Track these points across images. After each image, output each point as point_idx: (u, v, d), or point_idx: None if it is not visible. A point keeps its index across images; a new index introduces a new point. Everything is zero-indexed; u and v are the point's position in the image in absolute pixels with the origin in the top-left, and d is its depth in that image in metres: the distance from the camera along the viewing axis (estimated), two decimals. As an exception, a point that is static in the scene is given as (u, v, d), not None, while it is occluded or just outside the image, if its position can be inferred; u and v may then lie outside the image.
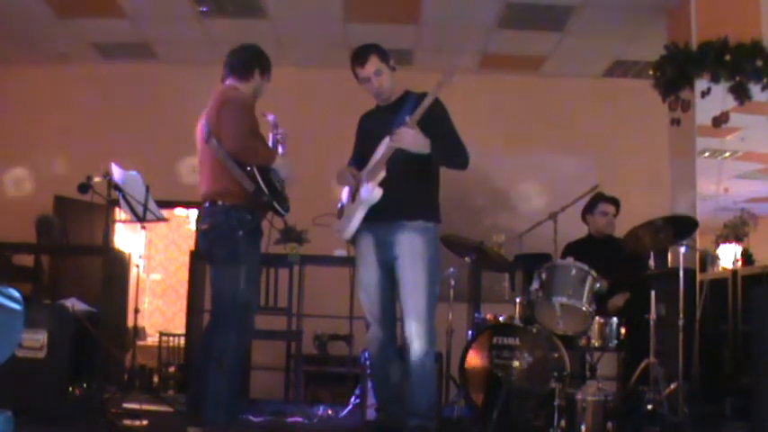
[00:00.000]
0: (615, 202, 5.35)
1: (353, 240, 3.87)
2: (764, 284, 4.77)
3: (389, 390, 3.83)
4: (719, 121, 5.51)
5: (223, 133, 3.65)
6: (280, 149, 3.92)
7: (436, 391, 4.16)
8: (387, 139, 3.66)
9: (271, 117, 3.98)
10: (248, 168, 3.66)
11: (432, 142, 3.58)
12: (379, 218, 3.69)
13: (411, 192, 3.70)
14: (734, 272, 5.25)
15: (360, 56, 3.76)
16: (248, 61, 3.88)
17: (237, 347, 3.72)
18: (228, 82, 3.87)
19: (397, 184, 3.64)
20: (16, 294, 2.59)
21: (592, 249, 5.08)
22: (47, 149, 7.85)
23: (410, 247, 3.65)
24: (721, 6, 5.72)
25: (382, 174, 3.65)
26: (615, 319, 4.70)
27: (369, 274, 3.79)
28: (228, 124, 3.63)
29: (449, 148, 3.70)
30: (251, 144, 3.67)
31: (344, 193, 3.90)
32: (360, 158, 3.87)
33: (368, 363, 4.25)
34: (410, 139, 3.54)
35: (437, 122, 3.65)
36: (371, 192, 3.65)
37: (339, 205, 3.93)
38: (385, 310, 3.79)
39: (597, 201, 5.32)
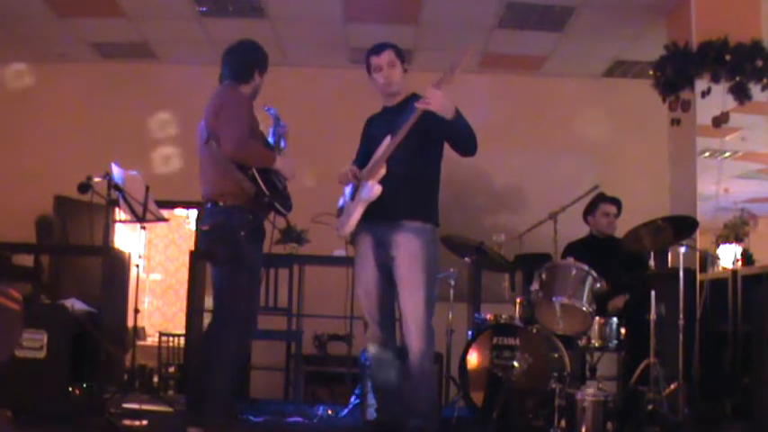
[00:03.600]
0: (617, 202, 5.34)
1: (353, 240, 3.87)
2: (764, 284, 4.77)
3: (389, 390, 3.82)
4: (719, 121, 5.51)
5: (221, 136, 3.64)
6: (282, 143, 3.92)
7: (436, 391, 4.16)
8: (388, 138, 3.67)
9: (272, 111, 3.98)
10: (248, 171, 3.65)
11: (448, 121, 3.52)
12: (378, 217, 3.69)
13: (411, 192, 3.69)
14: (734, 272, 5.25)
15: (377, 47, 3.82)
16: (247, 63, 3.87)
17: (238, 347, 3.72)
18: (227, 82, 3.86)
19: (398, 183, 3.64)
20: (16, 294, 2.59)
21: (592, 249, 5.08)
22: (47, 149, 7.84)
23: (408, 247, 3.65)
24: (721, 6, 5.72)
25: (382, 171, 3.65)
26: (615, 319, 4.70)
27: (368, 274, 3.78)
28: (227, 127, 3.63)
29: (467, 124, 3.64)
30: (249, 147, 3.66)
31: (346, 192, 3.90)
32: (363, 160, 3.86)
33: (367, 363, 4.25)
34: (439, 99, 3.45)
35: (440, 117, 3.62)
36: (371, 189, 3.65)
37: (339, 204, 3.94)
38: (384, 311, 3.79)
39: (599, 201, 5.31)
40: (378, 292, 3.76)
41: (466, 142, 3.67)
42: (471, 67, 7.78)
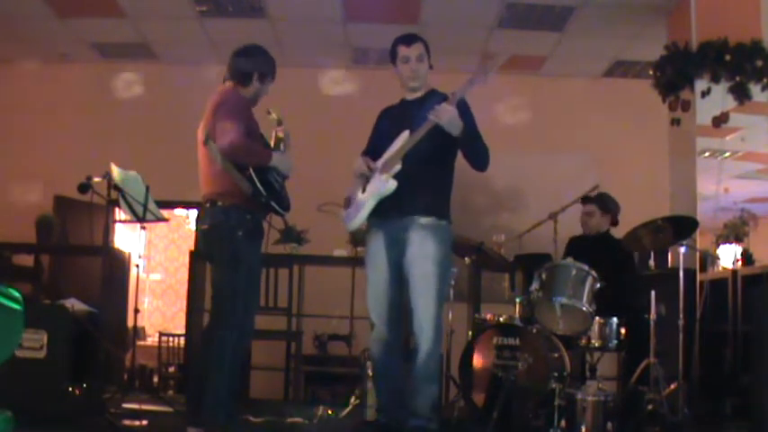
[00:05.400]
0: (591, 200, 5.26)
1: (364, 239, 3.84)
2: (764, 284, 4.78)
3: (392, 390, 3.81)
4: (719, 121, 5.51)
5: (218, 133, 3.64)
6: (282, 146, 3.91)
7: (438, 391, 4.16)
8: (405, 133, 3.65)
9: (274, 114, 3.98)
10: (246, 172, 3.65)
11: (463, 130, 3.57)
12: (391, 213, 3.66)
13: (425, 188, 3.68)
14: (734, 272, 5.26)
15: (407, 37, 3.84)
16: (246, 67, 3.87)
17: (237, 347, 3.72)
18: (228, 83, 3.87)
19: (412, 179, 3.61)
20: (16, 294, 2.59)
21: (592, 247, 5.08)
22: (47, 149, 7.84)
23: (421, 244, 3.62)
24: (721, 6, 5.72)
25: (397, 167, 3.63)
26: (615, 319, 4.70)
27: (378, 274, 3.75)
28: (223, 124, 3.63)
29: (478, 140, 3.70)
30: (245, 145, 3.65)
31: (354, 184, 3.86)
32: (374, 151, 3.83)
33: (370, 363, 4.25)
34: (449, 115, 3.52)
35: (463, 120, 3.63)
36: (386, 183, 3.63)
37: (347, 195, 3.88)
38: (393, 310, 3.75)
39: (582, 205, 5.28)
40: (389, 291, 3.72)
41: (477, 157, 3.73)
42: (471, 67, 7.78)
